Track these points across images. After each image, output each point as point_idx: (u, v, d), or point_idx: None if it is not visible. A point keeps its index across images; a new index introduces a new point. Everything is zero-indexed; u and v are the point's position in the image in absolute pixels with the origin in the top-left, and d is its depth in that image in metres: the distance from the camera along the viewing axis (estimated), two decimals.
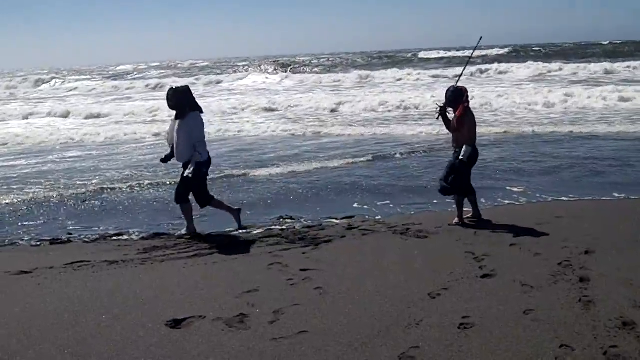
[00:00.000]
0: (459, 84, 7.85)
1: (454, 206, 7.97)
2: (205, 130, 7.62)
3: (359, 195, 9.80)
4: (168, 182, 10.88)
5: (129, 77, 53.41)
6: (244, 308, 5.16)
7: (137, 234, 8.01)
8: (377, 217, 8.33)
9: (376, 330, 4.62)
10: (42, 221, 8.83)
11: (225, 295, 5.50)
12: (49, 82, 50.46)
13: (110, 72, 65.58)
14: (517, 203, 8.99)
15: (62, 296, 5.69)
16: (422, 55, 61.62)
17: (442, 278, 5.71)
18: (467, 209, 7.92)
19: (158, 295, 5.59)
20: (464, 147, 7.58)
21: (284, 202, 9.56)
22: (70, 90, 42.11)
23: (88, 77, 58.15)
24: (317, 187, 10.45)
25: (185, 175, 7.47)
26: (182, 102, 7.49)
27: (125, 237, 7.89)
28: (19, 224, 8.69)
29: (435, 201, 9.02)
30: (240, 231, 7.91)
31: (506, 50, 60.10)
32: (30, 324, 5.04)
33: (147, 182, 11.25)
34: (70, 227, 8.27)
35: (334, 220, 8.21)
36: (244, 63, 66.46)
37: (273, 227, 8.09)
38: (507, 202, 9.06)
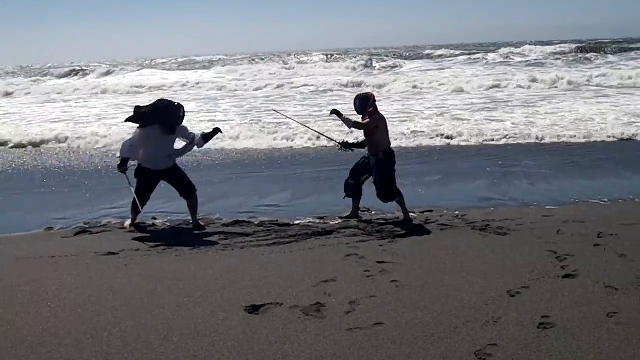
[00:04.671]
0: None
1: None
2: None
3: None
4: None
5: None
6: (321, 297, 5.22)
7: (218, 220, 8.22)
8: (455, 212, 8.23)
9: (453, 326, 4.58)
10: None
11: (302, 283, 5.58)
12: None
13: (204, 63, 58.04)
14: (602, 202, 8.69)
15: (146, 278, 5.91)
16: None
17: (522, 276, 5.59)
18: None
19: (237, 280, 5.72)
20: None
21: None
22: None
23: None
24: None
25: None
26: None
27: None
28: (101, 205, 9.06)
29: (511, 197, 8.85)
30: (317, 221, 7.99)
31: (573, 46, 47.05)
32: (116, 302, 5.27)
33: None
34: (154, 212, 8.52)
35: (412, 214, 8.16)
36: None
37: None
38: (591, 200, 8.78)
